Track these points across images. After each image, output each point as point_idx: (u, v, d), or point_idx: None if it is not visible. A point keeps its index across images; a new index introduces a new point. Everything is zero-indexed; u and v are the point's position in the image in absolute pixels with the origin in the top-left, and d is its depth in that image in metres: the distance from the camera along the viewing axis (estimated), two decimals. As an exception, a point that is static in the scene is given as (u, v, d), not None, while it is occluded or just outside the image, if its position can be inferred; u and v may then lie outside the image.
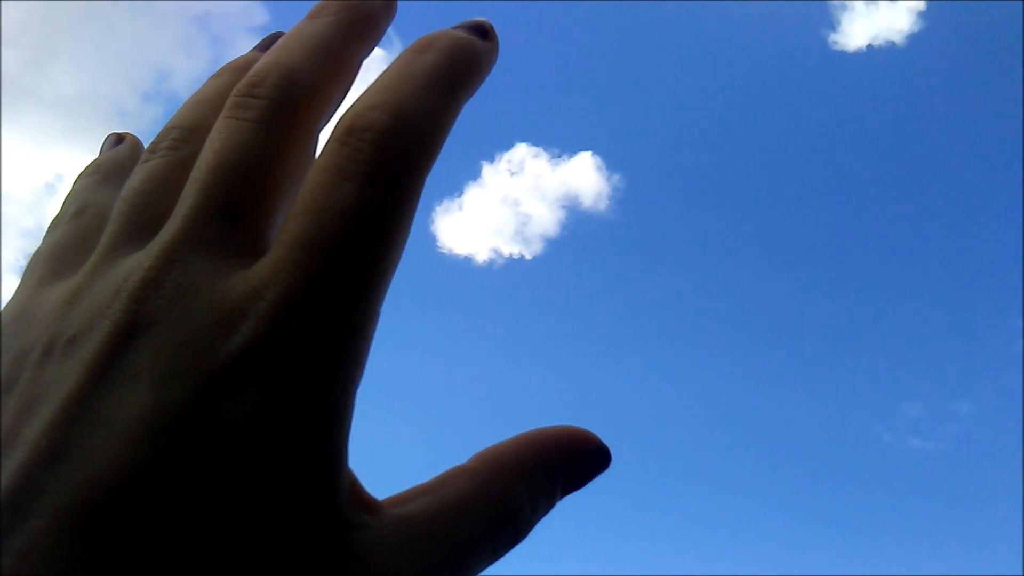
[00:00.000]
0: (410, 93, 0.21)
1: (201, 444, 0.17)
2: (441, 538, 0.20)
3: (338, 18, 0.23)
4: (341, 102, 0.23)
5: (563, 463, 0.23)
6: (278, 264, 0.19)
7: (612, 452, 0.23)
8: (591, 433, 0.23)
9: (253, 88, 0.22)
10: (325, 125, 0.23)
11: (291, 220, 0.20)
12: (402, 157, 0.20)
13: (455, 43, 0.23)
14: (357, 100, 0.21)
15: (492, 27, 0.24)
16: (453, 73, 0.22)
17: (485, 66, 0.23)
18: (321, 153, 0.20)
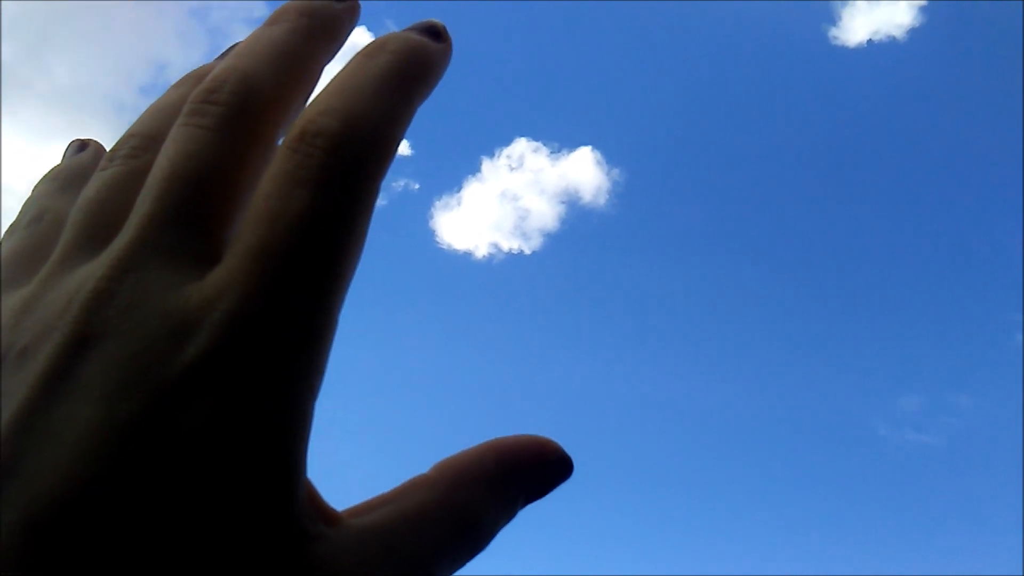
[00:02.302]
0: (361, 97, 0.21)
1: (153, 457, 0.17)
2: (400, 549, 0.20)
3: (298, 24, 0.23)
4: (301, 109, 0.23)
5: (525, 473, 0.23)
6: (232, 274, 0.19)
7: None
8: (553, 442, 0.23)
9: (210, 95, 0.21)
10: (284, 132, 0.22)
11: (245, 229, 0.19)
12: (354, 163, 0.20)
13: (407, 45, 0.22)
14: (309, 106, 0.21)
15: (445, 28, 0.24)
16: (405, 76, 0.22)
17: (438, 68, 0.23)
18: (274, 160, 0.20)
